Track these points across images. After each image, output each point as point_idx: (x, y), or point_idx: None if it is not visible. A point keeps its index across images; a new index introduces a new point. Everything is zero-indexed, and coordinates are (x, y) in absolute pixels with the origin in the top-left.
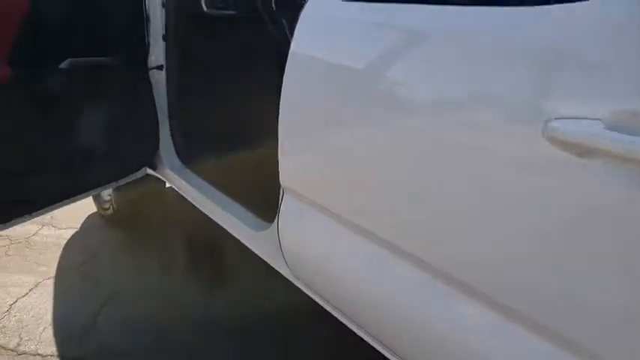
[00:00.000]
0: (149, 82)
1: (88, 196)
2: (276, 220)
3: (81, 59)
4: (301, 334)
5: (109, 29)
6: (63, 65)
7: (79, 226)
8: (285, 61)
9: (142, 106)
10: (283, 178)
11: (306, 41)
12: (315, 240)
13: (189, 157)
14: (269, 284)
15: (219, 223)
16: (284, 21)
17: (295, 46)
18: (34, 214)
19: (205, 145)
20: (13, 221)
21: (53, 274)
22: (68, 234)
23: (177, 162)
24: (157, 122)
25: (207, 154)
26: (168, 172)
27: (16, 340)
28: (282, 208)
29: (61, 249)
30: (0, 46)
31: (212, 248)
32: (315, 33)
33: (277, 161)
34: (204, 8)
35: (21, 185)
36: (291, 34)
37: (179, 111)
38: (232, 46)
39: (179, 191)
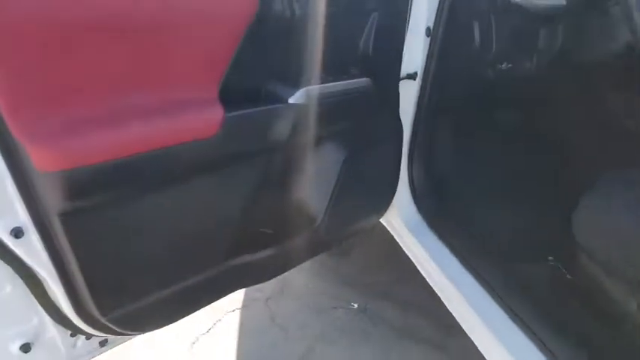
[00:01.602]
0: (397, 102)
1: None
2: None
3: (325, 86)
4: None
5: (370, 37)
6: (297, 98)
7: None
8: None
9: (386, 136)
10: None
11: None
12: None
13: (435, 212)
14: None
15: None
16: None
17: None
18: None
19: (465, 198)
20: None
21: (236, 307)
22: None
23: (415, 217)
24: (400, 158)
25: (466, 213)
26: (401, 227)
27: None
28: None
29: None
30: (206, 73)
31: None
32: None
33: None
34: None
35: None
36: None
37: (430, 143)
38: (543, 52)
39: (410, 256)
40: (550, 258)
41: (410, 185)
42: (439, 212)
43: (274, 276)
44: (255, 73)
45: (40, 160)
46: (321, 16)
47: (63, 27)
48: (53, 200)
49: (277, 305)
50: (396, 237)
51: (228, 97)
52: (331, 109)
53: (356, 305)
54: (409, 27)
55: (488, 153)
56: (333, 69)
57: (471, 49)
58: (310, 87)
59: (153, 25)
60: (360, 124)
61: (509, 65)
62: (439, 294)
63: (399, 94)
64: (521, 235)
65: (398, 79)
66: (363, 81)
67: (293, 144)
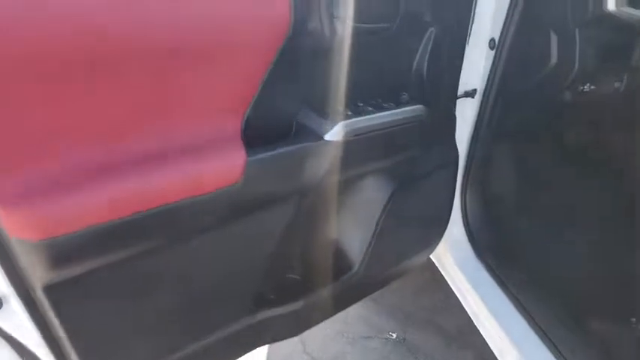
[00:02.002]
0: (454, 127)
1: None
2: None
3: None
4: None
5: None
6: (335, 134)
7: None
8: None
9: (440, 165)
10: None
11: None
12: None
13: (491, 248)
14: None
15: None
16: None
17: None
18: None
19: (526, 235)
20: None
21: None
22: None
23: (467, 252)
24: (454, 187)
25: (526, 252)
26: (450, 262)
27: None
28: None
29: None
30: (227, 107)
31: None
32: None
33: None
34: (611, 6)
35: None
36: None
37: (487, 170)
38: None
39: (459, 296)
40: (633, 319)
41: (463, 217)
42: (495, 248)
43: (304, 330)
44: (285, 104)
45: (14, 227)
46: (365, 35)
47: (37, 59)
48: (35, 270)
49: (308, 332)
50: (443, 272)
51: (253, 134)
52: (375, 145)
53: (394, 335)
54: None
55: (557, 185)
56: (379, 97)
57: (545, 65)
58: (351, 120)
59: (160, 52)
60: (410, 157)
61: (592, 87)
62: (488, 340)
63: (455, 116)
64: (590, 284)
65: (455, 100)
66: (416, 109)
67: (328, 184)
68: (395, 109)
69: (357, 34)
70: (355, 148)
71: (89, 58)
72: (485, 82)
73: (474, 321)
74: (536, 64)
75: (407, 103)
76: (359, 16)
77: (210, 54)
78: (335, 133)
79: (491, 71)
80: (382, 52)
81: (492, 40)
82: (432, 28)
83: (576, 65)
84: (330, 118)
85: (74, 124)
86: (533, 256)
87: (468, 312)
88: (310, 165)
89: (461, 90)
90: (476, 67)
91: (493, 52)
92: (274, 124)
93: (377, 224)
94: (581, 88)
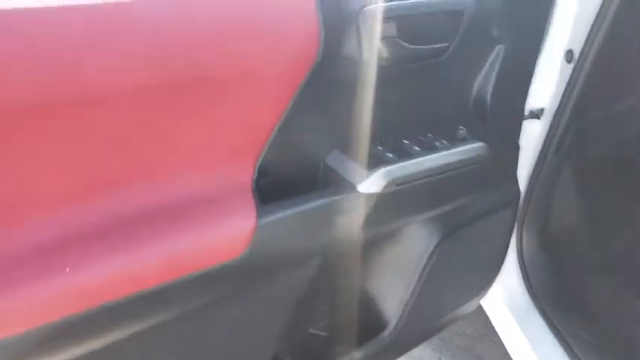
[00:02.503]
0: (516, 160)
1: None
2: None
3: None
4: None
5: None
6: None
7: None
8: None
9: (497, 204)
10: None
11: None
12: None
13: (550, 295)
14: None
15: None
16: None
17: None
18: None
19: (596, 284)
20: None
21: None
22: None
23: (521, 297)
24: (512, 227)
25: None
26: (501, 308)
27: None
28: None
29: None
30: (236, 153)
31: None
32: None
33: None
34: None
35: None
36: None
37: (551, 204)
38: None
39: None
40: None
41: (518, 258)
42: (555, 297)
43: None
44: (311, 144)
45: None
46: (415, 58)
47: None
48: None
49: None
50: (492, 320)
51: (270, 180)
52: (423, 195)
53: None
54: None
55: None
56: (429, 132)
57: None
58: (393, 165)
59: (142, 88)
60: (464, 203)
61: None
62: None
63: (519, 146)
64: None
65: (521, 126)
66: (476, 148)
67: (360, 240)
68: (450, 148)
69: (404, 56)
70: (397, 200)
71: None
72: (557, 101)
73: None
74: (629, 82)
75: (464, 140)
76: (408, 36)
77: (209, 87)
78: (372, 184)
79: (566, 89)
80: (435, 78)
81: (570, 51)
82: (501, 46)
83: None
84: (366, 163)
85: (19, 185)
86: (601, 312)
87: (508, 348)
88: (338, 223)
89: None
90: (546, 83)
91: (571, 65)
92: (296, 168)
93: (419, 277)
94: None
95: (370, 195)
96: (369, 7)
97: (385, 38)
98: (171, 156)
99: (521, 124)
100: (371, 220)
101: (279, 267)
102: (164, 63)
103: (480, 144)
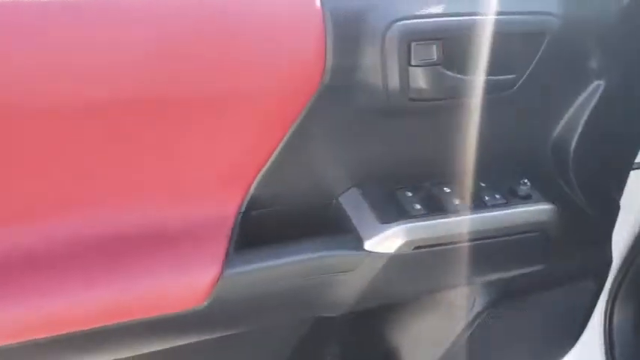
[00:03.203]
0: (613, 222)
1: None
2: None
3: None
4: None
5: None
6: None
7: None
8: None
9: (578, 277)
10: None
11: None
12: None
13: None
14: None
15: None
16: None
17: None
18: None
19: None
20: None
21: None
22: None
23: None
24: (595, 302)
25: None
26: None
27: None
28: None
29: None
30: (217, 188)
31: None
32: None
33: None
34: None
35: None
36: None
37: None
38: None
39: None
40: None
41: (605, 336)
42: None
43: None
44: (320, 178)
45: None
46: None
47: None
48: None
49: None
50: None
51: (263, 220)
52: (454, 263)
53: None
54: None
55: None
56: (480, 186)
57: None
58: (415, 222)
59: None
60: (518, 275)
61: None
62: None
63: (619, 207)
64: None
65: (623, 183)
66: (539, 210)
67: (360, 309)
68: (503, 207)
69: (449, 88)
70: (416, 266)
71: None
72: None
73: None
74: None
75: (527, 198)
76: (457, 62)
77: (187, 104)
78: (384, 241)
79: None
80: (495, 115)
81: None
82: (600, 82)
83: None
84: (383, 212)
85: None
86: None
87: None
88: (332, 285)
89: None
90: None
91: None
92: (301, 204)
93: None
94: None
95: (379, 255)
96: (399, 23)
97: (422, 65)
98: (135, 180)
99: (625, 179)
100: (376, 287)
101: (244, 327)
102: (142, 77)
103: (547, 206)
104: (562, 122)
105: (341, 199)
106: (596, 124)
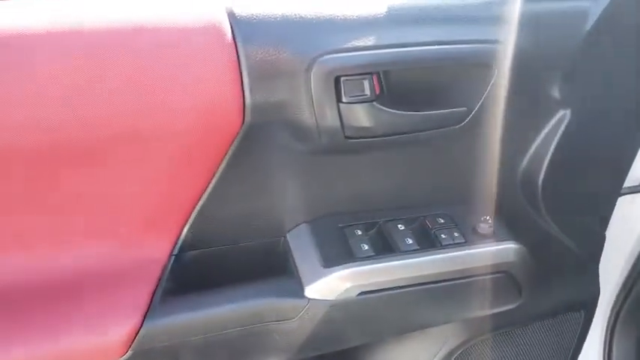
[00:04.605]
0: (599, 252)
1: None
2: None
3: None
4: None
5: None
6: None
7: None
8: None
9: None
10: None
11: None
12: None
13: None
14: None
15: None
16: None
17: None
18: None
19: None
20: None
21: None
22: None
23: None
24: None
25: None
26: None
27: None
28: None
29: None
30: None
31: None
32: None
33: None
34: None
35: None
36: None
37: None
38: None
39: None
40: None
41: None
42: None
43: None
44: (268, 215)
45: None
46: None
47: None
48: None
49: None
50: None
51: (184, 274)
52: (408, 308)
53: None
54: None
55: None
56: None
57: None
58: (360, 266)
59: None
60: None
61: None
62: None
63: (604, 237)
64: None
65: (609, 213)
66: (501, 250)
67: None
68: (461, 247)
69: (389, 124)
70: (364, 313)
71: None
72: None
73: None
74: None
75: (488, 237)
76: (396, 95)
77: (111, 142)
78: (325, 287)
79: None
80: (449, 149)
81: None
82: (566, 111)
83: None
84: (328, 254)
85: None
86: None
87: None
88: (268, 335)
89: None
90: None
91: None
92: (249, 243)
93: None
94: None
95: (320, 302)
96: (326, 57)
97: (354, 102)
98: (52, 225)
99: (608, 207)
100: (319, 335)
101: None
102: (57, 122)
103: (511, 245)
104: (529, 154)
105: (289, 237)
106: (565, 153)
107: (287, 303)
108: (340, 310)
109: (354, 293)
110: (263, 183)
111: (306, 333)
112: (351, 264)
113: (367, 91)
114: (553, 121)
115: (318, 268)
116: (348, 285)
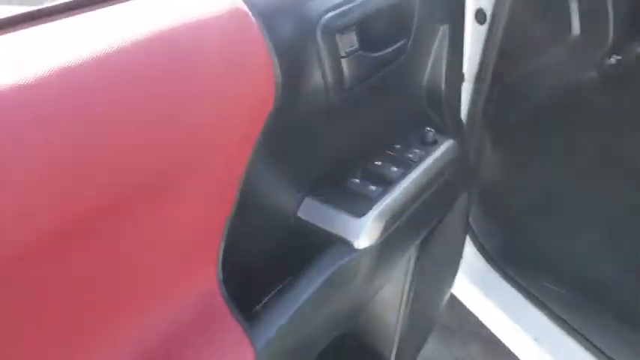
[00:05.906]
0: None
1: None
2: None
3: None
4: None
5: None
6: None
7: None
8: None
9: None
10: None
11: None
12: None
13: (506, 253)
14: None
15: None
16: None
17: None
18: None
19: (536, 231)
20: None
21: None
22: None
23: (481, 263)
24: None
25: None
26: (463, 279)
27: None
28: None
29: None
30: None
31: None
32: None
33: None
34: None
35: None
36: None
37: (485, 170)
38: None
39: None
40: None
41: None
42: (508, 254)
43: None
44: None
45: None
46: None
47: None
48: None
49: None
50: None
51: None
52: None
53: None
54: None
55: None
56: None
57: (561, 38)
58: (383, 202)
59: None
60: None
61: (619, 58)
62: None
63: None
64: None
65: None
66: (449, 147)
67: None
68: (426, 156)
69: (368, 68)
70: (396, 240)
71: None
72: (476, 67)
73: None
74: (545, 39)
75: (436, 143)
76: (368, 42)
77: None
78: (371, 232)
79: (483, 53)
80: (395, 82)
81: (480, 11)
82: (445, 26)
83: (610, 35)
84: (351, 206)
85: None
86: (552, 256)
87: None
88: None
89: None
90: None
91: (484, 27)
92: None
93: (407, 294)
94: (613, 61)
95: (370, 249)
96: (326, 16)
97: (349, 53)
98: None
99: (460, 100)
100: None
101: None
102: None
103: (449, 141)
104: (429, 70)
105: (300, 214)
106: (450, 63)
107: (351, 260)
108: (384, 247)
109: (389, 227)
110: (275, 162)
111: (368, 283)
112: (375, 204)
113: (354, 42)
114: (439, 38)
115: (352, 220)
116: (384, 221)
